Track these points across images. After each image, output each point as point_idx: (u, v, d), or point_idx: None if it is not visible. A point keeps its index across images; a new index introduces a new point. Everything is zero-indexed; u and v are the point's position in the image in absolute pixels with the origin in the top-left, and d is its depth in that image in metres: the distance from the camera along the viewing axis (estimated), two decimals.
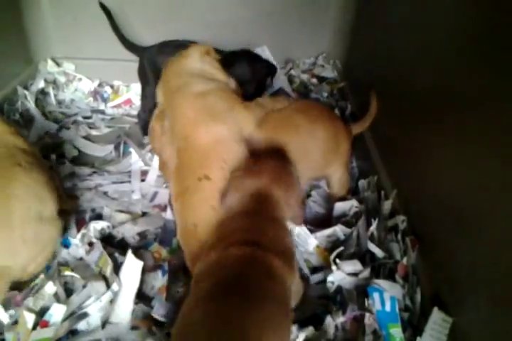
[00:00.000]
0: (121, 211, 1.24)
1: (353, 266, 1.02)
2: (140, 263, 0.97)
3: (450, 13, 0.96)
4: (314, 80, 1.85)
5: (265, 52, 1.84)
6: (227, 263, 0.77)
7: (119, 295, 0.95)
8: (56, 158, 1.40)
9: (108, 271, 0.99)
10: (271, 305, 0.72)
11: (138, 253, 1.05)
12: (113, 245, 1.12)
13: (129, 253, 0.99)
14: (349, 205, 1.24)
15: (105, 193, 1.31)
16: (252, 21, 1.81)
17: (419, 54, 1.11)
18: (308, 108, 1.23)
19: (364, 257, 1.08)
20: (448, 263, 0.92)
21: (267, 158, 0.98)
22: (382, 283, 0.97)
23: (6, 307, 0.92)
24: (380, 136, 1.35)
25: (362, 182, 1.33)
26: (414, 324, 0.94)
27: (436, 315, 0.87)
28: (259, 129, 1.12)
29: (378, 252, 1.06)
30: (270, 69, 1.45)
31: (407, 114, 1.16)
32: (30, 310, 0.91)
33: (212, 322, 0.67)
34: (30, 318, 0.88)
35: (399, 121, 1.22)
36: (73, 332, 0.92)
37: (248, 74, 1.32)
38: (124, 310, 0.94)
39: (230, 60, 1.31)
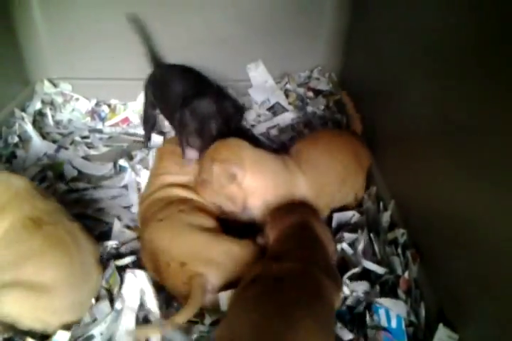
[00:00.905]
0: (128, 227, 1.25)
1: (363, 286, 1.02)
2: (139, 282, 0.97)
3: (445, 23, 0.96)
4: (310, 93, 1.86)
5: (260, 67, 1.85)
6: (279, 274, 0.82)
7: (122, 314, 0.95)
8: (54, 178, 1.42)
9: (116, 289, 1.00)
10: (316, 323, 0.74)
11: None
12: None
13: (128, 273, 0.99)
14: (349, 215, 1.24)
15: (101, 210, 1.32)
16: (246, 37, 1.81)
17: (414, 64, 1.11)
18: (333, 144, 1.25)
19: (368, 273, 1.07)
20: (451, 277, 0.91)
21: (300, 204, 1.09)
22: (385, 301, 0.97)
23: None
24: (377, 147, 1.35)
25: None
26: (419, 339, 0.93)
27: (442, 332, 0.86)
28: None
29: (377, 269, 1.05)
30: (237, 110, 1.35)
31: (405, 125, 1.16)
32: (33, 335, 0.90)
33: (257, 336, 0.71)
34: None
35: (396, 132, 1.22)
36: None
37: (212, 113, 1.24)
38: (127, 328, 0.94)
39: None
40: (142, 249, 1.09)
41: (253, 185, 1.08)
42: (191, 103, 1.23)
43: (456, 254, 0.89)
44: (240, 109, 1.39)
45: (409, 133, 1.14)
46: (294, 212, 1.02)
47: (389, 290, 1.02)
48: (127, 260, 1.09)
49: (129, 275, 0.99)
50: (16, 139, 1.56)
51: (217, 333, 0.78)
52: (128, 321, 0.94)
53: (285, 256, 0.88)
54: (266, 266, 0.86)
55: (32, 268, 0.92)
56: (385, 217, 1.17)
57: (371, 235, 1.14)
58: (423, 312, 0.95)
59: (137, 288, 0.98)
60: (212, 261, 0.97)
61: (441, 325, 0.87)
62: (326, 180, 1.16)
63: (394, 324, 0.93)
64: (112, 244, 1.15)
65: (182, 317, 0.89)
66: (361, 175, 1.28)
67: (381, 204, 1.22)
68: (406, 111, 1.16)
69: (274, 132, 1.69)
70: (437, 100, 0.98)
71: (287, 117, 1.75)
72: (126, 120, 1.81)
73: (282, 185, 1.11)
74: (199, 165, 1.17)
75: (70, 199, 1.35)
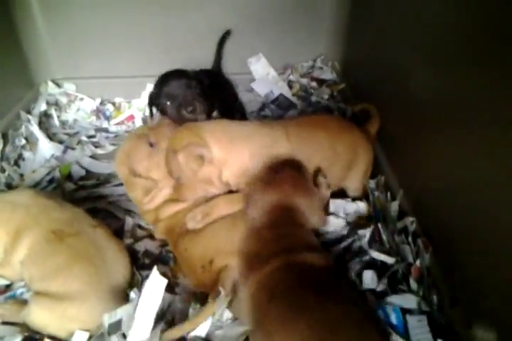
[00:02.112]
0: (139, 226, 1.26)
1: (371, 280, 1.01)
2: (164, 281, 0.95)
3: (448, 11, 0.95)
4: (314, 83, 1.85)
5: (261, 60, 1.85)
6: (277, 276, 0.81)
7: (140, 313, 0.94)
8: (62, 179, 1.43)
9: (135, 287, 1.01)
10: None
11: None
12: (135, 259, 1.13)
13: (154, 270, 0.95)
14: (354, 207, 1.22)
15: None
16: (247, 29, 1.80)
17: (417, 52, 1.10)
18: (326, 122, 1.24)
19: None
20: (463, 263, 0.91)
21: (283, 168, 1.01)
22: (394, 298, 0.96)
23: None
24: (384, 136, 1.33)
25: (370, 183, 1.31)
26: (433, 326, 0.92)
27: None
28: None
29: (386, 258, 1.05)
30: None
31: (411, 113, 1.15)
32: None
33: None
34: None
35: (403, 120, 1.21)
36: None
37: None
38: (144, 328, 0.93)
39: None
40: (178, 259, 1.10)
41: (225, 156, 1.05)
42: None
43: (468, 242, 0.89)
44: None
45: (414, 120, 1.13)
46: (274, 185, 0.96)
47: (401, 279, 1.02)
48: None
49: (155, 273, 0.96)
50: (23, 141, 1.57)
51: None
52: (146, 320, 0.94)
53: (267, 252, 0.87)
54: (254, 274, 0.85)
55: (59, 281, 0.94)
56: (394, 206, 1.17)
57: (379, 225, 1.13)
58: (435, 300, 0.94)
59: (161, 287, 0.96)
60: (233, 252, 0.97)
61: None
62: (314, 155, 1.13)
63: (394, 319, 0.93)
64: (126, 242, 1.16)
65: (214, 307, 0.91)
66: (358, 167, 1.23)
67: (389, 193, 1.21)
68: (409, 98, 1.15)
69: None
70: (439, 86, 0.98)
71: (293, 114, 1.74)
72: (131, 117, 1.81)
73: (260, 150, 1.08)
74: (166, 166, 1.11)
75: (79, 196, 1.36)
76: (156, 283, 0.94)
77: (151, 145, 1.16)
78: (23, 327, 0.95)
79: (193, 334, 0.94)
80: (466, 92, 0.87)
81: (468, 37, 0.85)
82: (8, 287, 1.06)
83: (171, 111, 1.23)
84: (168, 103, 1.22)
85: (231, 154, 1.06)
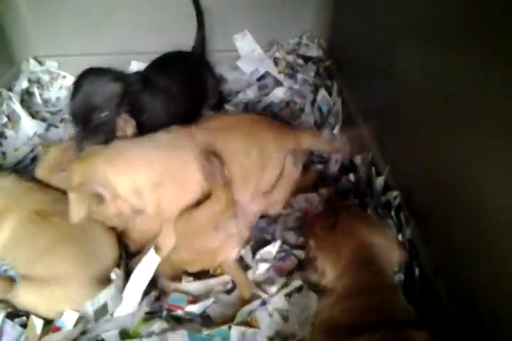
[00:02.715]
0: None
1: None
2: (158, 259, 0.97)
3: None
4: (300, 61, 1.83)
5: (247, 37, 1.82)
6: None
7: (130, 288, 0.96)
8: None
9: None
10: None
11: None
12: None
13: (152, 249, 0.98)
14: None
15: None
16: (232, 6, 1.77)
17: (406, 28, 1.08)
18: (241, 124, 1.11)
19: None
20: (446, 236, 0.92)
21: (343, 206, 0.96)
22: None
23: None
24: (369, 113, 1.33)
25: (357, 158, 1.31)
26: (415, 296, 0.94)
27: None
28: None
29: None
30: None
31: (397, 90, 1.14)
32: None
33: None
34: (38, 323, 0.90)
35: (389, 98, 1.21)
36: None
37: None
38: (132, 301, 0.95)
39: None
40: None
41: (134, 186, 0.93)
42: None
43: (451, 214, 0.90)
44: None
45: (400, 97, 1.12)
46: (348, 231, 0.84)
47: None
48: None
49: (151, 251, 0.98)
50: (5, 119, 1.54)
51: None
52: (135, 294, 0.96)
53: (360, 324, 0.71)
54: None
55: (44, 263, 0.94)
56: (379, 181, 1.17)
57: (365, 199, 1.14)
58: (417, 271, 0.96)
59: (154, 264, 0.97)
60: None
61: None
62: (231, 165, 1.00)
63: None
64: None
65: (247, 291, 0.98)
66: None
67: (373, 169, 1.22)
68: (396, 76, 1.15)
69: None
70: (427, 63, 0.97)
71: (279, 93, 1.72)
72: None
73: (169, 172, 0.95)
74: None
75: None
76: (150, 259, 0.96)
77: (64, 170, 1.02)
78: (7, 303, 0.94)
79: (188, 309, 0.95)
80: (454, 70, 0.86)
81: (459, 12, 0.85)
82: None
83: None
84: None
85: (136, 180, 0.93)
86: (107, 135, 1.02)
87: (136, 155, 0.95)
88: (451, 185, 0.88)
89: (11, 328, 0.90)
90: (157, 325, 0.93)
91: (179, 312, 0.97)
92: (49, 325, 0.91)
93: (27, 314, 0.93)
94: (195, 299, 0.99)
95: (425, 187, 1.01)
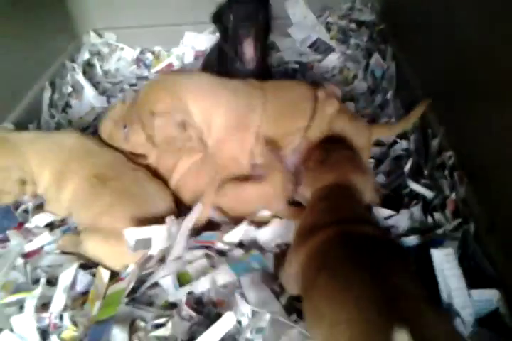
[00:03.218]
0: None
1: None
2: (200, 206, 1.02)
3: None
4: (353, 25, 1.80)
5: (299, 3, 1.81)
6: (328, 246, 0.75)
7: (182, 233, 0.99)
8: None
9: None
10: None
11: None
12: None
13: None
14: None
15: None
16: None
17: None
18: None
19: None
20: (503, 195, 0.91)
21: (338, 146, 1.00)
22: None
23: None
24: (427, 81, 1.31)
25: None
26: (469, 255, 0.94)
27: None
28: None
29: (425, 192, 1.07)
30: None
31: (456, 56, 1.10)
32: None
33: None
34: (105, 274, 0.97)
35: (447, 64, 1.17)
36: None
37: (239, 15, 1.18)
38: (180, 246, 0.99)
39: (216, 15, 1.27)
40: None
41: (207, 117, 1.02)
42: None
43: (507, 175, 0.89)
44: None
45: (459, 64, 1.09)
46: (332, 167, 0.93)
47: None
48: None
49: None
50: (70, 89, 1.63)
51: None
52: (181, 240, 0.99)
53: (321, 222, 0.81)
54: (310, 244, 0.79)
55: (106, 220, 1.01)
56: (434, 143, 1.16)
57: (420, 161, 1.14)
58: (472, 230, 0.96)
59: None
60: None
61: None
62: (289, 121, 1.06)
63: None
64: None
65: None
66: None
67: (429, 131, 1.20)
68: (455, 41, 1.11)
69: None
70: (484, 29, 0.94)
71: (332, 58, 1.71)
72: (170, 66, 1.83)
73: (238, 109, 1.04)
74: (136, 119, 1.05)
75: None
76: (198, 210, 1.01)
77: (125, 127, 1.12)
78: (81, 256, 1.02)
79: (226, 239, 1.00)
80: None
81: None
82: (62, 221, 1.14)
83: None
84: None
85: (214, 117, 1.02)
86: None
87: (214, 92, 1.03)
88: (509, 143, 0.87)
89: (83, 277, 0.98)
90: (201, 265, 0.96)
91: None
92: (118, 276, 0.98)
93: (96, 265, 1.00)
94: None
95: (480, 148, 0.99)
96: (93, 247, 1.00)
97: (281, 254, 0.95)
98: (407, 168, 1.13)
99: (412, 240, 0.96)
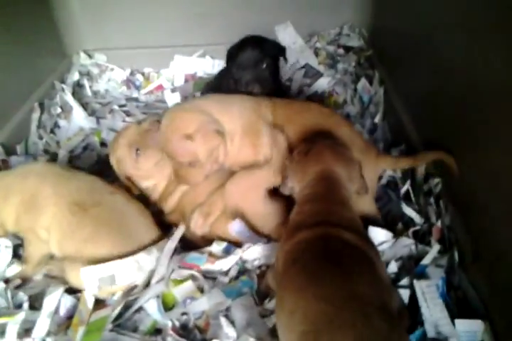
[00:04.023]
0: None
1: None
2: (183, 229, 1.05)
3: None
4: (341, 50, 1.83)
5: (289, 28, 1.84)
6: (306, 245, 0.80)
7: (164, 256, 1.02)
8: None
9: None
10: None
11: None
12: None
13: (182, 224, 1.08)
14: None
15: None
16: None
17: (450, 17, 1.07)
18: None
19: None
20: (486, 223, 0.92)
21: (320, 139, 1.01)
22: None
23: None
24: (412, 103, 1.34)
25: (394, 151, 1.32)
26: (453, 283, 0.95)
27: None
28: None
29: (416, 217, 1.08)
30: (279, 47, 1.44)
31: (441, 80, 1.13)
32: None
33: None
34: (90, 299, 0.95)
35: (433, 88, 1.20)
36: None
37: (257, 55, 1.30)
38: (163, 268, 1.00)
39: (233, 50, 1.35)
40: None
41: (232, 127, 1.08)
42: (236, 56, 1.31)
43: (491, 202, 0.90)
44: (282, 47, 1.46)
45: (444, 88, 1.11)
46: (315, 157, 0.95)
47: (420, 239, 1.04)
48: None
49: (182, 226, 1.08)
50: (59, 110, 1.63)
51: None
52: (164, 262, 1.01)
53: (305, 223, 0.85)
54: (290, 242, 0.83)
55: (90, 247, 1.00)
56: (420, 170, 1.17)
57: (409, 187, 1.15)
58: (456, 257, 0.97)
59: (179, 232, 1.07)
60: None
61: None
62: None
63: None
64: None
65: None
66: None
67: None
68: (440, 66, 1.13)
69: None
70: (472, 54, 0.96)
71: (322, 83, 1.73)
72: (160, 87, 1.85)
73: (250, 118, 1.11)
74: (153, 144, 1.13)
75: None
76: (179, 232, 1.05)
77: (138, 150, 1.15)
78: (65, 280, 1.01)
79: (217, 266, 1.00)
80: (500, 60, 0.85)
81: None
82: None
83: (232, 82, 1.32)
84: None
85: (234, 124, 1.09)
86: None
87: (231, 106, 1.11)
88: (495, 172, 0.88)
89: (67, 301, 0.96)
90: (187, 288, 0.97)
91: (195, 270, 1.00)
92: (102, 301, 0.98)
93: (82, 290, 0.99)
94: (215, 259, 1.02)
95: (467, 175, 1.01)
96: (77, 277, 0.98)
97: (261, 275, 0.98)
98: (402, 191, 1.15)
99: (394, 267, 0.97)
